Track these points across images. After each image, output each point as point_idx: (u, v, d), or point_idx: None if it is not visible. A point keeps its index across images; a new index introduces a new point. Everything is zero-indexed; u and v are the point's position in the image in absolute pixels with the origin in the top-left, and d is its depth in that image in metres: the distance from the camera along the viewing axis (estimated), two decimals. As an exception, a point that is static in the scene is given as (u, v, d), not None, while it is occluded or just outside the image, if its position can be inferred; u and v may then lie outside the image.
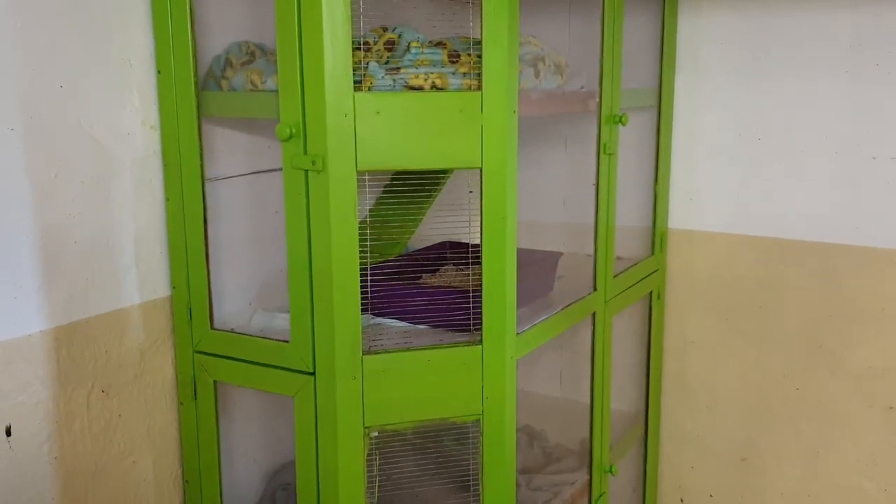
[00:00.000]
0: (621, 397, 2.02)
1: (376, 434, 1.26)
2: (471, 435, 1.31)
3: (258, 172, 1.54)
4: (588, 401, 1.70)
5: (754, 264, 1.91)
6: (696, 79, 1.91)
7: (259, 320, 1.45)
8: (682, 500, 2.10)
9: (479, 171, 1.25)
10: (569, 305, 1.54)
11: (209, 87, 1.38)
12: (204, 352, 1.39)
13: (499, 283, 1.28)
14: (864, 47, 1.72)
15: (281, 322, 1.42)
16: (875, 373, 1.81)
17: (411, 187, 1.63)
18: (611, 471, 1.74)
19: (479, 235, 1.28)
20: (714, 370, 2.00)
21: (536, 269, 1.60)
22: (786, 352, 1.90)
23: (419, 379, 1.27)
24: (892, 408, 1.80)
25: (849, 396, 1.85)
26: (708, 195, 1.95)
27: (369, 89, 1.22)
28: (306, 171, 1.21)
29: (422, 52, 1.26)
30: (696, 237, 1.98)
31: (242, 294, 1.54)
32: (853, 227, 1.78)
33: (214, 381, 1.40)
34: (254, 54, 1.43)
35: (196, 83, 1.33)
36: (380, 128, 1.20)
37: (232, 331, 1.39)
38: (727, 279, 1.95)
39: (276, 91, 1.23)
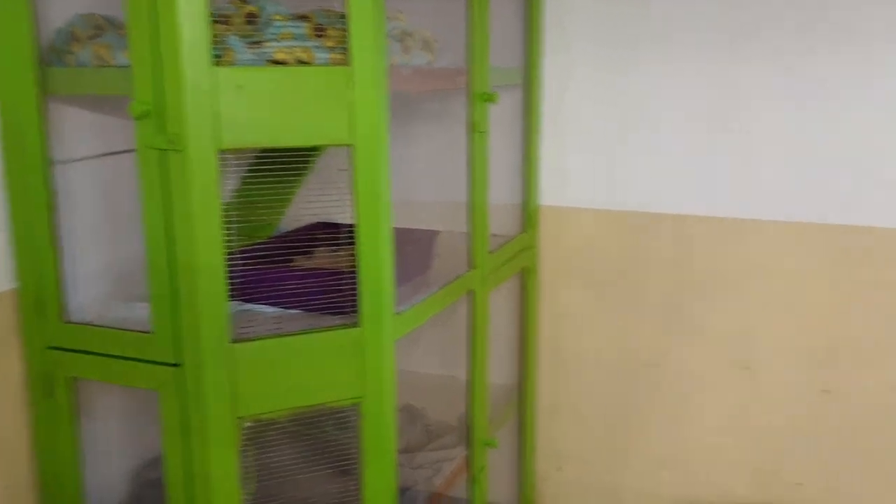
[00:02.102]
0: (498, 371, 2.05)
1: (250, 424, 1.21)
2: (351, 418, 1.29)
3: (111, 154, 1.44)
4: (466, 376, 1.71)
5: (620, 237, 1.97)
6: (563, 56, 1.94)
7: (117, 311, 1.36)
8: (558, 468, 2.16)
9: (350, 147, 1.22)
10: (447, 284, 1.54)
11: (53, 63, 1.28)
12: (58, 347, 1.30)
13: (375, 263, 1.25)
14: (721, 27, 1.79)
15: (140, 312, 1.34)
16: (731, 336, 1.92)
17: (279, 166, 1.57)
18: (490, 444, 1.76)
19: (353, 215, 1.25)
20: (586, 341, 2.06)
21: (413, 248, 1.59)
22: (651, 320, 1.98)
23: (294, 365, 1.23)
24: (746, 368, 1.92)
25: (708, 359, 1.95)
26: (575, 172, 1.99)
27: (230, 64, 1.16)
28: (164, 150, 1.14)
29: (285, 26, 1.21)
30: (565, 213, 2.02)
31: (98, 284, 1.44)
32: (710, 199, 1.87)
33: (72, 378, 1.30)
34: (101, 27, 1.33)
35: (37, 58, 1.22)
36: (243, 104, 1.15)
37: (88, 323, 1.30)
38: (595, 252, 2.01)
39: (129, 66, 1.14)
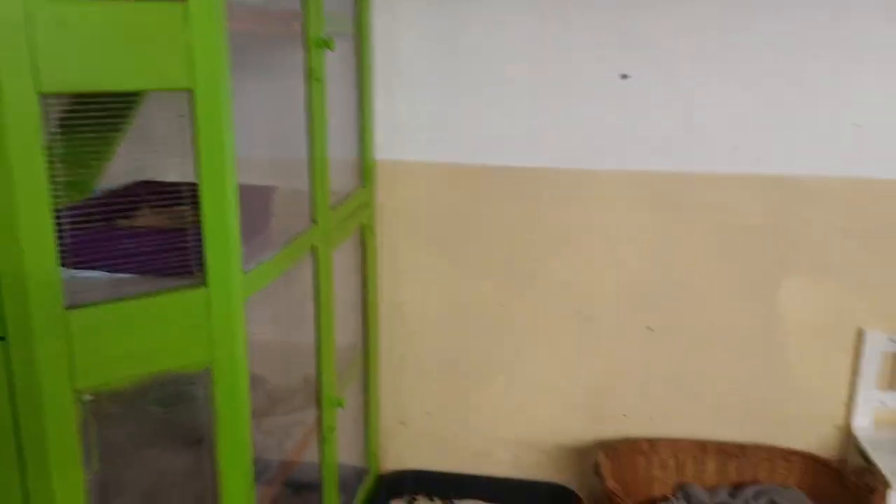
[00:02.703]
0: (341, 331, 2.01)
1: (90, 397, 1.10)
2: (201, 384, 1.21)
3: None
4: (305, 338, 1.66)
5: (458, 191, 1.99)
6: (393, 4, 1.91)
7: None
8: (402, 423, 2.18)
9: (189, 93, 1.12)
10: (292, 241, 1.47)
11: None
12: None
13: (221, 218, 1.17)
14: (545, -19, 1.84)
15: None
16: (567, 286, 2.00)
17: (97, 116, 1.41)
18: (339, 404, 1.73)
19: (190, 169, 1.16)
20: (426, 296, 2.07)
21: (250, 205, 1.50)
22: (490, 273, 2.03)
23: (137, 331, 1.13)
24: (578, 313, 2.02)
25: (545, 308, 2.03)
26: (411, 125, 1.98)
27: (47, -4, 1.03)
28: (-29, 94, 0.99)
29: (108, -44, 1.09)
30: (402, 167, 2.01)
31: None
32: (544, 151, 1.93)
33: None
34: None
35: None
36: (66, 41, 1.02)
37: None
38: (434, 207, 2.01)
39: (-83, -6, 0.98)
